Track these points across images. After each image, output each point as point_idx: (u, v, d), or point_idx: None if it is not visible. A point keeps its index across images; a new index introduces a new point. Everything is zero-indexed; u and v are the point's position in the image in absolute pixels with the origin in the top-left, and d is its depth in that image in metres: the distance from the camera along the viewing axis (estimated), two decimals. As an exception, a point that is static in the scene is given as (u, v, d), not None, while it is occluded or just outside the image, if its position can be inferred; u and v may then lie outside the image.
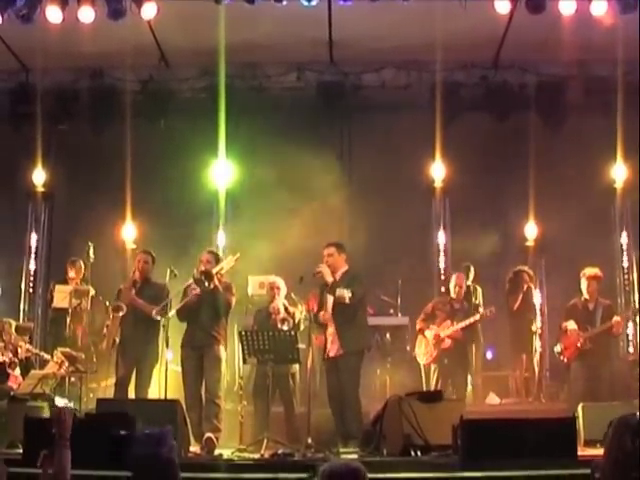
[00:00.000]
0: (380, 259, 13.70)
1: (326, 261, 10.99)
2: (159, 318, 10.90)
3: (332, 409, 10.85)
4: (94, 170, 14.46)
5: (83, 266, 13.26)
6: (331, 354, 10.85)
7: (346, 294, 10.63)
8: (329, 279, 10.83)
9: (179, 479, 5.11)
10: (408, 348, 13.15)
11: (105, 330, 11.73)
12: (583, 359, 12.08)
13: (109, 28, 12.11)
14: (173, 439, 5.15)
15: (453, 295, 12.87)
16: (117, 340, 11.52)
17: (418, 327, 12.75)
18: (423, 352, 12.68)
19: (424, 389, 12.23)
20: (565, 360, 12.36)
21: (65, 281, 13.46)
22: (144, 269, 11.60)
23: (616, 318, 12.13)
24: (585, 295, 12.31)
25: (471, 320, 12.51)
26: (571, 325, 12.13)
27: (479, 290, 13.29)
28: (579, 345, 12.01)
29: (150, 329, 11.26)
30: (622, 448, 5.36)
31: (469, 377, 12.84)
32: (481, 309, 12.88)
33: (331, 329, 10.87)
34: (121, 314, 11.36)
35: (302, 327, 11.65)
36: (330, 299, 10.84)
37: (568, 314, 12.41)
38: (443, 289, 14.13)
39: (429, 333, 12.58)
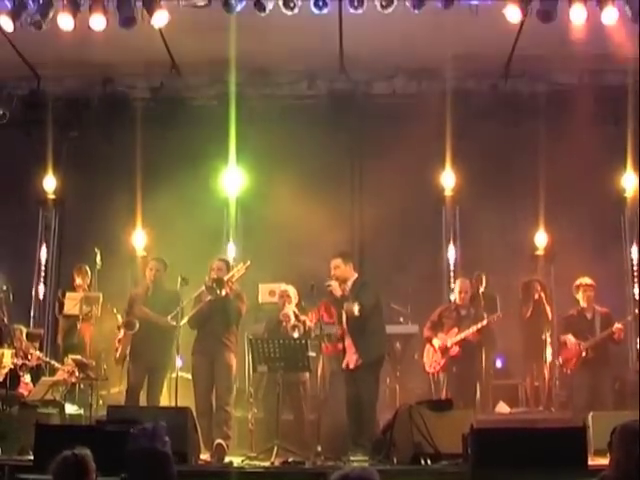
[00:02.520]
0: (390, 267, 13.69)
1: (333, 274, 11.00)
2: (174, 323, 10.95)
3: (349, 418, 10.84)
4: (105, 177, 14.48)
5: (89, 272, 13.28)
6: (350, 366, 10.86)
7: (355, 307, 10.63)
8: (338, 293, 10.85)
9: (174, 473, 5.12)
10: (416, 356, 13.12)
11: (117, 344, 11.74)
12: (586, 368, 12.12)
13: (120, 36, 12.12)
14: (166, 435, 5.16)
15: (458, 302, 12.80)
16: (128, 351, 11.54)
17: (425, 336, 12.68)
18: (431, 361, 12.62)
19: (434, 398, 12.19)
20: (568, 371, 12.43)
21: (73, 288, 13.48)
22: (156, 277, 11.65)
23: (617, 325, 12.15)
24: (582, 304, 12.38)
25: (478, 326, 12.43)
26: (570, 338, 12.21)
27: (496, 297, 13.23)
28: (583, 355, 12.08)
29: (163, 338, 11.29)
30: (631, 458, 5.34)
31: (477, 385, 12.76)
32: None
33: (348, 341, 10.89)
34: (133, 332, 11.38)
35: (313, 335, 11.63)
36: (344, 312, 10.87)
37: (566, 325, 12.49)
38: (453, 298, 14.14)
39: (436, 342, 12.49)
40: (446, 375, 12.47)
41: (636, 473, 5.31)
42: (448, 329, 12.54)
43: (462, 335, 12.36)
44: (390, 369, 12.88)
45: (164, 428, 5.15)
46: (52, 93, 14.75)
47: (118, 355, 11.77)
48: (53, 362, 12.45)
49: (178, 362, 11.31)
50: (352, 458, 10.04)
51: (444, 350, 12.42)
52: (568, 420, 11.21)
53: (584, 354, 12.12)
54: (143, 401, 11.41)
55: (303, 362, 10.84)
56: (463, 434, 8.81)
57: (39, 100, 14.75)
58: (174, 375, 11.24)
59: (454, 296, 12.91)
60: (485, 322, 12.44)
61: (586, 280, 12.42)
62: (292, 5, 11.65)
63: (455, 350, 12.38)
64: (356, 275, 11.13)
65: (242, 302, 11.23)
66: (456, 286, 12.94)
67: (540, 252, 14.53)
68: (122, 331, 11.69)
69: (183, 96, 14.74)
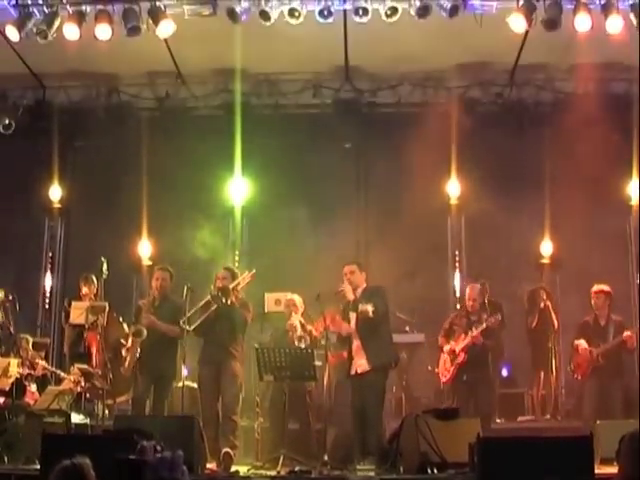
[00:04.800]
0: (396, 276, 13.66)
1: (348, 279, 11.02)
2: (187, 327, 10.94)
3: (355, 426, 10.81)
4: (110, 187, 14.53)
5: (95, 281, 13.29)
6: (359, 370, 10.84)
7: (369, 308, 10.63)
8: (351, 297, 10.86)
9: None
10: (429, 367, 13.05)
11: (125, 352, 11.74)
12: (597, 375, 12.13)
13: (126, 46, 12.18)
14: (184, 464, 5.16)
15: (469, 309, 12.74)
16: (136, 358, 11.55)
17: (439, 344, 12.64)
18: (442, 370, 12.56)
19: (444, 406, 12.12)
20: (579, 378, 12.40)
21: (79, 297, 13.48)
22: (162, 287, 11.65)
23: (627, 332, 12.15)
24: (595, 311, 12.40)
25: (478, 329, 12.29)
26: (582, 343, 12.21)
27: (502, 305, 13.16)
28: (593, 361, 12.08)
29: (169, 346, 11.31)
30: (638, 466, 5.33)
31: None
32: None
33: (356, 345, 10.88)
34: (141, 339, 11.39)
35: (319, 344, 11.62)
36: (353, 316, 10.87)
37: (580, 332, 12.49)
38: (459, 306, 14.08)
39: (447, 348, 12.48)
40: (456, 383, 12.40)
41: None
42: (458, 336, 12.50)
43: (465, 341, 12.31)
44: (396, 378, 12.85)
45: (182, 457, 5.15)
46: (58, 103, 14.83)
47: (127, 365, 11.75)
48: (59, 371, 12.45)
49: (184, 371, 11.31)
50: (358, 467, 10.02)
51: (452, 358, 12.39)
52: (575, 429, 11.17)
53: (593, 361, 12.12)
54: (149, 410, 11.41)
55: (309, 371, 10.84)
56: (470, 443, 8.77)
57: (45, 110, 14.81)
58: (180, 384, 11.24)
59: (459, 304, 12.85)
60: (484, 325, 12.36)
61: (602, 287, 12.41)
62: (297, 14, 11.69)
63: (462, 357, 12.34)
64: (365, 285, 11.14)
65: (248, 311, 11.23)
66: (466, 293, 12.88)
67: (546, 260, 14.53)
68: (130, 340, 11.68)
69: (188, 105, 14.77)
